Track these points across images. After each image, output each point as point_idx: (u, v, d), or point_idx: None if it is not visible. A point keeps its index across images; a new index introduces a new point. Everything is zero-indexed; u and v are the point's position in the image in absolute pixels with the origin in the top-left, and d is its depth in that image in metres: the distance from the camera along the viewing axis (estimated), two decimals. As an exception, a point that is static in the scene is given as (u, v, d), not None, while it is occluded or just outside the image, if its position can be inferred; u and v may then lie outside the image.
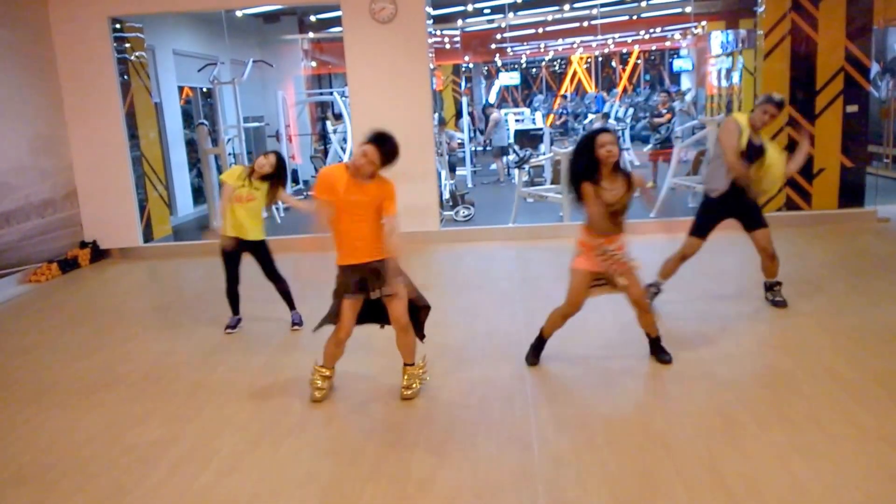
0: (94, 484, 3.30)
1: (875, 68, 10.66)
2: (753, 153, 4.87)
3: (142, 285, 7.47)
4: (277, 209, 10.54)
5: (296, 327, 5.37)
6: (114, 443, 3.70)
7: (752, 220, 5.06)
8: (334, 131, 11.78)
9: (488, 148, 14.92)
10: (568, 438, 3.46)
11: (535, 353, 4.45)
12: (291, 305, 5.42)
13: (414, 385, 4.05)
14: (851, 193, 8.22)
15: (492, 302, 5.80)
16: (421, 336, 4.11)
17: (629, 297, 4.23)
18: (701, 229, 5.12)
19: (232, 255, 5.20)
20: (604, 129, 4.07)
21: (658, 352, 4.38)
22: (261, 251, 5.23)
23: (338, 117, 11.30)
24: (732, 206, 5.02)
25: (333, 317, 3.92)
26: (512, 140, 12.78)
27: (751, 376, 4.09)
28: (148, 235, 8.91)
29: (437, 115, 9.05)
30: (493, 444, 3.44)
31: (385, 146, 3.66)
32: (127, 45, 8.73)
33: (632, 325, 5.08)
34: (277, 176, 5.09)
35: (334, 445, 3.57)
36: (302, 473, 3.29)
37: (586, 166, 3.99)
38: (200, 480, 3.27)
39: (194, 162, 11.41)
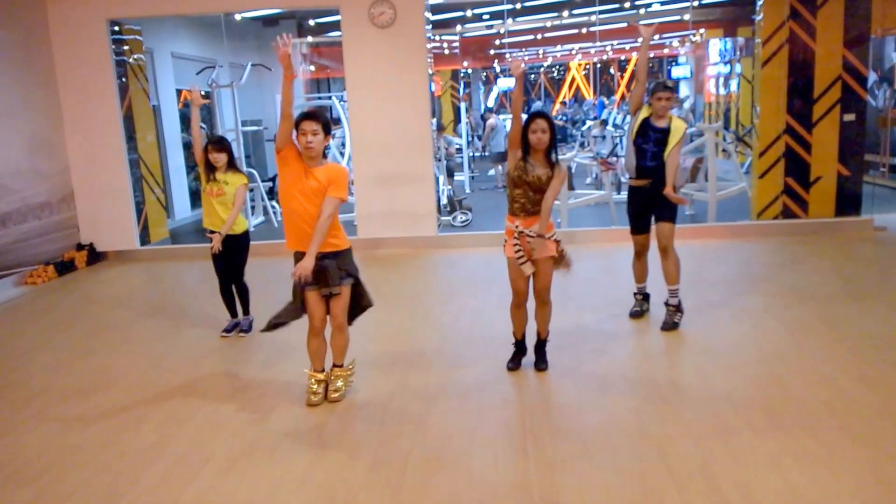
0: (89, 487, 3.29)
1: (872, 77, 10.71)
2: (654, 134, 4.92)
3: (138, 288, 7.45)
4: (275, 211, 10.54)
5: (242, 333, 5.38)
6: (108, 446, 3.69)
7: (660, 211, 5.01)
8: (332, 136, 11.75)
9: (486, 153, 14.95)
10: (563, 445, 3.46)
11: (514, 358, 4.48)
12: (245, 310, 5.47)
13: (342, 387, 4.12)
14: (848, 202, 8.24)
15: (489, 307, 5.80)
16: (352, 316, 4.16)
17: (533, 285, 4.26)
18: (633, 226, 5.20)
19: (218, 252, 5.21)
20: (540, 114, 4.07)
21: (538, 357, 4.44)
22: (235, 247, 5.19)
23: (336, 122, 11.30)
24: (644, 196, 5.03)
25: (293, 311, 3.99)
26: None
27: (745, 383, 4.09)
28: (145, 238, 8.91)
29: (434, 120, 9.06)
30: (489, 450, 3.44)
31: (317, 115, 3.75)
32: (125, 47, 8.74)
33: (629, 330, 5.09)
34: (228, 154, 5.20)
35: (329, 450, 3.56)
36: (297, 478, 3.28)
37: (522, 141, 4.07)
38: (195, 484, 3.26)
39: (192, 165, 11.41)
